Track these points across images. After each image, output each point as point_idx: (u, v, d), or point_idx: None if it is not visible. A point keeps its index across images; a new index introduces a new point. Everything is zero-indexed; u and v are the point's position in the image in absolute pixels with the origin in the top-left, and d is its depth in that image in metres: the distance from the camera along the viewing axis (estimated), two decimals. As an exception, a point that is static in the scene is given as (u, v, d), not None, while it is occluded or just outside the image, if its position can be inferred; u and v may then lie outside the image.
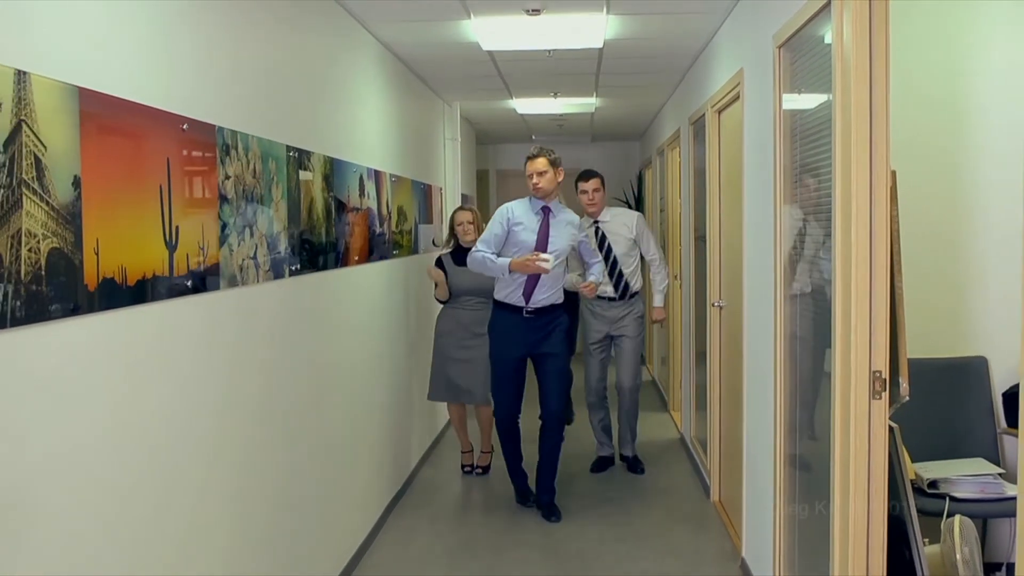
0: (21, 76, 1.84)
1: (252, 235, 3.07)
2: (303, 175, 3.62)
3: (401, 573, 4.31)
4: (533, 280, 4.90)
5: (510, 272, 4.84)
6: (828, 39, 2.83)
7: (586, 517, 5.04)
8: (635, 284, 5.82)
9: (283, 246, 3.38)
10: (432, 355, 5.80)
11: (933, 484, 3.54)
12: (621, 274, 5.75)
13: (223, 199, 2.83)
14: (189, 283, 2.58)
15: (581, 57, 5.72)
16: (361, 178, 4.56)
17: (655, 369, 9.17)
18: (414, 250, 5.96)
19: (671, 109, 7.51)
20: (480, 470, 5.87)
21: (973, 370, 3.91)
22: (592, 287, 5.11)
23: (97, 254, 2.10)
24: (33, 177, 1.87)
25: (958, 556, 3.16)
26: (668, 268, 6.28)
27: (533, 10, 4.49)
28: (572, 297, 5.46)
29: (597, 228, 5.80)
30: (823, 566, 2.94)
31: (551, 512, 5.00)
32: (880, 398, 2.61)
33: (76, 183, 2.02)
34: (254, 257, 3.09)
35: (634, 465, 5.90)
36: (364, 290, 4.70)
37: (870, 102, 2.59)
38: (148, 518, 2.38)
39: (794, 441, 3.44)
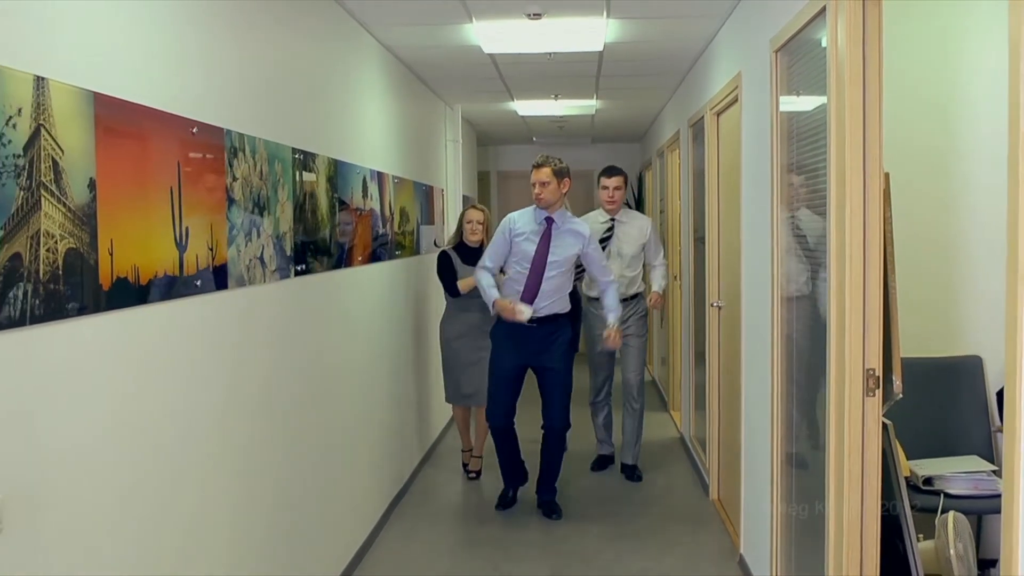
0: (40, 82, 1.90)
1: (259, 236, 3.13)
2: (308, 177, 3.67)
3: (403, 571, 4.36)
4: (534, 288, 4.85)
5: (493, 309, 4.88)
6: (824, 43, 2.88)
7: (586, 515, 5.09)
8: (638, 286, 5.84)
9: (288, 247, 3.44)
10: (443, 359, 5.75)
11: (928, 481, 3.59)
12: (623, 276, 5.74)
13: (231, 200, 2.88)
14: (198, 283, 2.64)
15: (581, 60, 5.77)
16: (364, 179, 4.61)
17: (655, 369, 9.22)
18: (416, 251, 6.01)
19: (671, 111, 7.56)
20: (473, 475, 5.81)
21: (968, 369, 3.96)
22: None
23: (111, 254, 2.16)
24: (51, 179, 1.93)
25: (952, 552, 3.21)
26: (668, 278, 6.24)
27: (534, 14, 4.55)
28: (574, 297, 5.47)
29: (612, 226, 5.78)
30: (819, 561, 2.99)
31: (552, 510, 5.05)
32: (874, 395, 2.67)
33: (91, 185, 2.08)
34: (261, 257, 3.14)
35: (631, 473, 5.80)
36: (367, 290, 4.76)
37: (863, 105, 2.64)
38: (150, 517, 2.39)
39: (791, 440, 3.49)
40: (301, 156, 3.58)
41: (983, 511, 3.66)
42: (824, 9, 2.79)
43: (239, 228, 2.95)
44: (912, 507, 3.11)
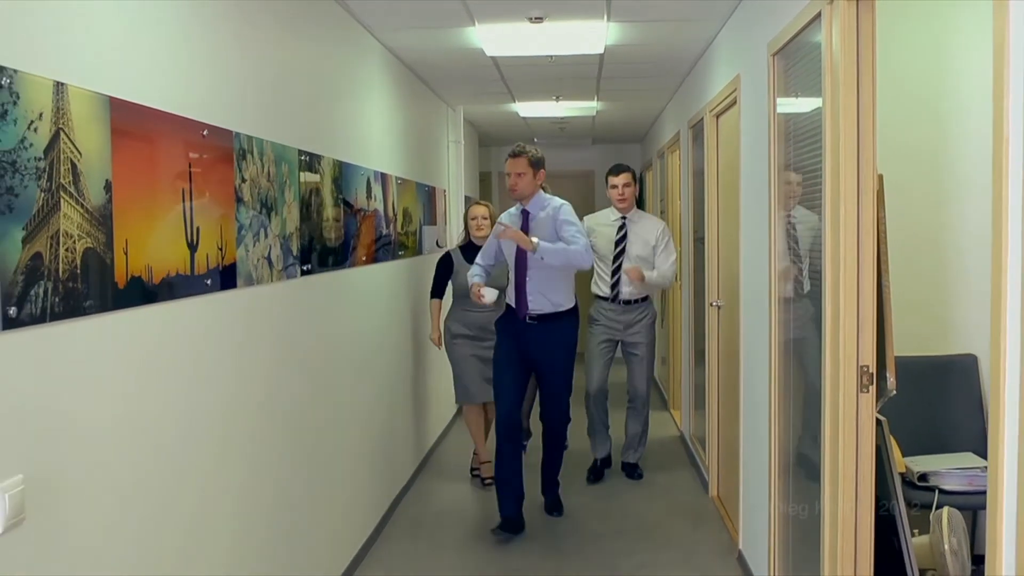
0: (59, 87, 1.96)
1: (266, 235, 3.19)
2: (313, 178, 3.73)
3: (403, 570, 4.38)
4: (521, 282, 4.75)
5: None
6: (819, 47, 2.94)
7: (587, 511, 5.15)
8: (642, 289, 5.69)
9: (295, 246, 3.50)
10: (450, 359, 5.67)
11: (923, 477, 3.64)
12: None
13: (239, 201, 2.95)
14: (209, 282, 2.70)
15: (582, 62, 5.82)
16: (368, 180, 4.67)
17: (656, 369, 9.27)
18: (419, 251, 6.06)
19: (671, 113, 7.62)
20: (489, 481, 5.59)
21: (963, 367, 4.01)
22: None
23: (126, 254, 2.22)
24: (70, 181, 2.00)
25: (946, 546, 3.26)
26: (668, 279, 5.83)
27: (536, 17, 4.61)
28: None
29: (623, 225, 5.64)
30: (815, 555, 3.05)
31: (553, 507, 5.09)
32: (867, 391, 2.73)
33: (108, 187, 2.14)
34: (268, 257, 3.21)
35: (632, 472, 5.77)
36: (371, 290, 4.80)
37: (857, 107, 2.70)
38: (151, 516, 2.41)
39: (788, 437, 3.55)
40: (307, 158, 3.64)
41: (977, 507, 3.70)
42: (820, 14, 2.85)
43: (248, 228, 3.01)
44: (907, 503, 3.16)
